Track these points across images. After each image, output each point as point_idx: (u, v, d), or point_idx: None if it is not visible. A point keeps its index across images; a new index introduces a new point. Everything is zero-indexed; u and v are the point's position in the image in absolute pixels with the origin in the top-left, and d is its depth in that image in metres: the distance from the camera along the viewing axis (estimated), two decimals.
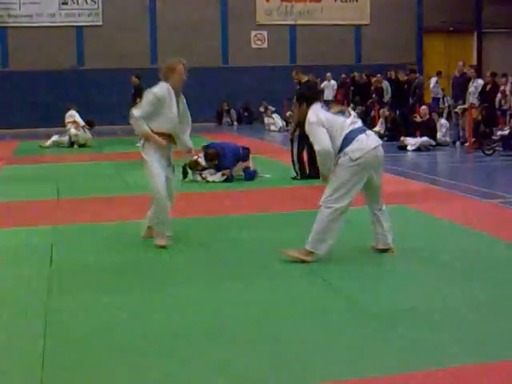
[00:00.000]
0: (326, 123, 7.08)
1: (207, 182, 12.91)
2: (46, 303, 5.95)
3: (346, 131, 7.09)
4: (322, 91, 27.69)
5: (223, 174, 13.02)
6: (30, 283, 6.69)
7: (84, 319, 5.58)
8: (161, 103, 7.88)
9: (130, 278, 6.77)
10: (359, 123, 7.28)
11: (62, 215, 10.09)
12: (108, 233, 8.85)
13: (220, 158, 13.08)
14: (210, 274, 6.87)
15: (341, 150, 7.06)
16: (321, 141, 7.03)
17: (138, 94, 21.25)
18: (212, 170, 13.17)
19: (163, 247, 7.86)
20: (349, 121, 7.21)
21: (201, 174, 13.07)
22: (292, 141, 13.28)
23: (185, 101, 8.24)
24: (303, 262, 7.03)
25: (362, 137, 7.09)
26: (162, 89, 7.95)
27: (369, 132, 7.29)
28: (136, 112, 7.94)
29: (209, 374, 4.49)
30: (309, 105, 7.29)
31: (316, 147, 7.08)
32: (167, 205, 8.01)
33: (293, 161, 13.20)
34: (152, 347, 4.95)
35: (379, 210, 7.43)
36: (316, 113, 7.18)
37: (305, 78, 13.75)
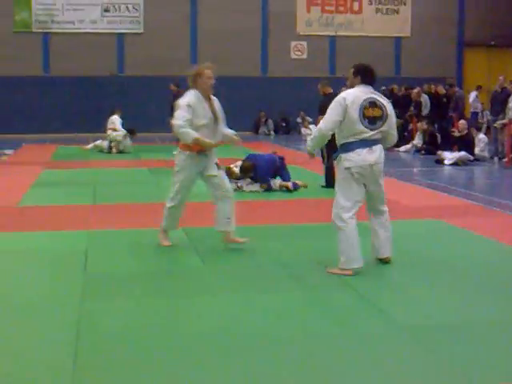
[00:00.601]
0: (347, 107, 7.03)
1: (243, 191, 12.91)
2: (79, 306, 6.01)
3: (353, 138, 7.08)
4: None
5: (261, 186, 13.04)
6: (64, 286, 6.75)
7: (116, 323, 5.62)
8: (193, 111, 7.87)
9: (163, 284, 6.80)
10: (375, 136, 7.19)
11: (97, 220, 10.18)
12: (143, 238, 8.89)
13: (255, 171, 13.09)
14: (242, 283, 6.89)
15: (338, 151, 7.19)
16: (326, 121, 7.08)
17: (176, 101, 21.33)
18: (248, 180, 13.20)
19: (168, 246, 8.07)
20: (367, 133, 7.13)
21: (236, 183, 13.08)
22: (322, 150, 13.28)
23: (218, 103, 8.21)
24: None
25: (361, 151, 7.07)
26: (191, 96, 7.96)
27: (376, 147, 7.20)
28: (177, 121, 7.91)
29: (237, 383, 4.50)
30: None
31: (320, 124, 7.18)
32: (178, 215, 8.24)
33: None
34: (182, 353, 4.96)
35: (378, 216, 7.42)
36: (349, 92, 7.18)
37: (329, 90, 13.79)
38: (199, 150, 7.98)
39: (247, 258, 7.85)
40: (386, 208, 7.49)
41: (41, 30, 30.65)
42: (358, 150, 7.05)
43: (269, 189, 13.01)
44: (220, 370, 4.68)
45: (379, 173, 7.25)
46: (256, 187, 13.00)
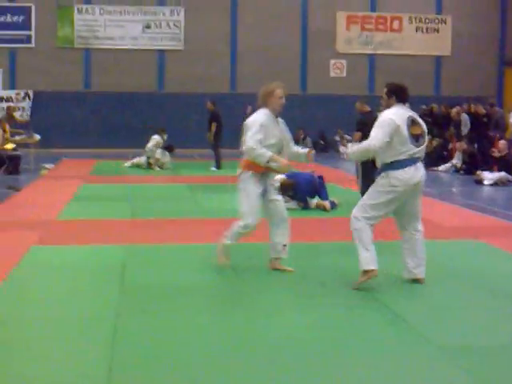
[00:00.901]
0: (399, 127, 7.10)
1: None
2: (115, 321, 6.03)
3: (404, 156, 7.13)
4: None
5: (299, 205, 13.03)
6: (101, 300, 6.79)
7: (152, 338, 5.63)
8: (264, 130, 7.80)
9: (199, 299, 6.81)
10: (420, 153, 7.25)
11: (135, 234, 10.23)
12: (180, 254, 8.93)
13: (295, 189, 13.09)
14: (277, 299, 6.87)
15: (384, 168, 7.17)
16: (378, 139, 7.10)
17: (212, 119, 21.49)
18: (286, 198, 13.16)
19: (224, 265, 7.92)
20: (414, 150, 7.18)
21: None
22: (357, 167, 13.25)
23: (283, 122, 8.16)
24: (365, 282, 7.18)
25: (409, 169, 7.16)
26: (262, 116, 7.89)
27: (420, 165, 7.31)
28: (249, 143, 7.73)
29: None
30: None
31: (373, 141, 7.15)
32: (248, 232, 7.99)
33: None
34: (219, 370, 4.96)
35: (414, 234, 7.43)
36: (394, 113, 7.21)
37: (367, 109, 13.84)
38: (263, 171, 7.88)
39: (282, 276, 7.83)
40: (421, 227, 7.47)
41: (82, 46, 31.02)
42: (406, 169, 7.13)
43: (306, 207, 13.00)
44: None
45: (421, 189, 7.28)
46: (293, 205, 12.96)
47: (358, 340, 5.66)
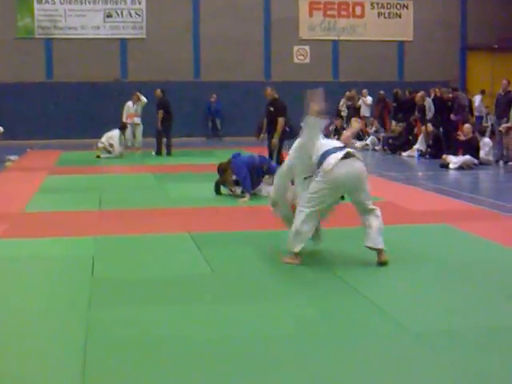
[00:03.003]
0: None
1: (236, 196, 12.86)
2: (86, 314, 5.98)
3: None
4: (359, 108, 27.74)
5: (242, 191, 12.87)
6: (71, 293, 6.74)
7: (124, 330, 5.60)
8: None
9: (171, 291, 6.77)
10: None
11: (103, 226, 10.16)
12: (149, 245, 8.89)
13: (233, 169, 12.83)
14: (250, 290, 6.86)
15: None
16: None
17: (159, 107, 22.09)
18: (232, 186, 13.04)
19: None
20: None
21: (230, 188, 13.06)
22: None
23: None
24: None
25: None
26: None
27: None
28: None
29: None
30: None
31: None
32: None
33: None
34: (190, 361, 4.95)
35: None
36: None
37: (276, 96, 15.26)
38: None
39: (255, 265, 7.82)
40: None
41: (43, 36, 30.69)
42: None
43: (246, 188, 12.66)
44: (227, 378, 4.66)
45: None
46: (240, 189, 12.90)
47: (329, 327, 5.67)
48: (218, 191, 13.10)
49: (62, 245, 8.90)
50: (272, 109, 15.72)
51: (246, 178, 12.61)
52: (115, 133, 21.95)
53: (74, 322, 5.80)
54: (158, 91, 22.60)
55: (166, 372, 4.75)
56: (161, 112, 22.17)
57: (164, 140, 22.50)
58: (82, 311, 6.06)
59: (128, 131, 23.15)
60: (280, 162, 13.49)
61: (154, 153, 22.34)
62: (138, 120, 23.85)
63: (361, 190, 7.69)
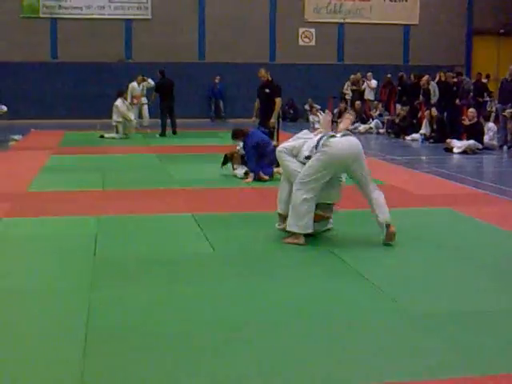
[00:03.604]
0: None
1: (234, 176, 12.92)
2: (88, 293, 6.00)
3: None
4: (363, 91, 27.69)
5: (245, 173, 12.91)
6: (73, 272, 6.76)
7: (126, 309, 5.62)
8: None
9: (173, 271, 6.80)
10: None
11: (106, 206, 10.17)
12: (152, 225, 8.91)
13: (245, 141, 12.82)
14: (251, 269, 6.88)
15: None
16: None
17: (156, 89, 22.43)
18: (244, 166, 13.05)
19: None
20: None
21: (232, 166, 13.10)
22: None
23: None
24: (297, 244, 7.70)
25: None
26: None
27: None
28: None
29: (244, 370, 4.50)
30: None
31: None
32: None
33: None
34: (192, 340, 4.97)
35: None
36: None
37: (269, 78, 15.54)
38: None
39: (256, 245, 7.84)
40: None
41: (48, 16, 30.58)
42: None
43: (250, 168, 12.72)
44: (230, 357, 4.68)
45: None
46: (241, 171, 12.97)
47: (330, 309, 5.68)
48: (223, 164, 13.12)
49: (64, 224, 8.92)
50: (268, 90, 15.68)
51: (250, 158, 12.64)
52: (117, 102, 21.95)
53: (75, 302, 5.82)
54: (158, 73, 22.84)
55: (167, 352, 4.76)
56: (154, 94, 22.73)
57: (168, 121, 22.58)
58: (83, 290, 6.08)
59: (135, 112, 23.24)
60: (278, 140, 13.51)
61: (158, 135, 22.43)
62: (144, 100, 24.08)
63: (360, 163, 7.79)
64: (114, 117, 21.92)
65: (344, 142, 7.80)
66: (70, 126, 26.33)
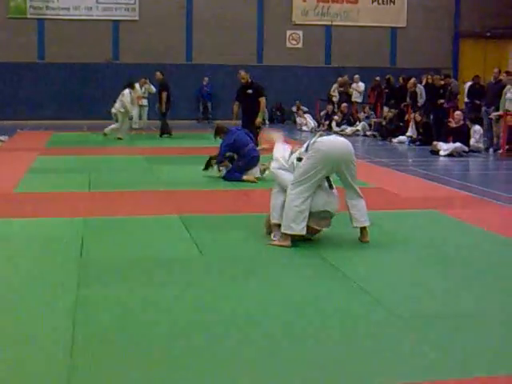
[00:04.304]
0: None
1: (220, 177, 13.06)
2: (75, 294, 5.98)
3: None
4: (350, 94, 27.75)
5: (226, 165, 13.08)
6: (59, 274, 6.73)
7: (112, 311, 5.59)
8: None
9: (158, 273, 6.78)
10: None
11: (93, 207, 10.15)
12: (138, 227, 8.89)
13: (226, 135, 13.19)
14: (239, 272, 6.88)
15: None
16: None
17: (162, 89, 22.25)
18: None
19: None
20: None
21: (218, 167, 13.16)
22: None
23: None
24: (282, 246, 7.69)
25: None
26: None
27: None
28: None
29: (234, 373, 4.50)
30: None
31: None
32: None
33: None
34: (178, 342, 4.96)
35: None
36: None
37: (250, 79, 15.51)
38: None
39: (243, 247, 7.85)
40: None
41: (35, 16, 30.55)
42: None
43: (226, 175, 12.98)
44: (217, 359, 4.68)
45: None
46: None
47: (316, 310, 5.69)
48: (207, 167, 13.18)
49: (50, 225, 8.89)
50: (250, 91, 15.67)
51: (220, 154, 13.04)
52: (125, 91, 21.89)
53: (61, 303, 5.79)
54: (159, 73, 22.73)
55: (153, 353, 4.77)
56: (164, 94, 22.35)
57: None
58: (70, 292, 6.05)
59: (135, 113, 23.21)
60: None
61: (167, 135, 22.56)
62: (145, 102, 24.00)
63: (350, 165, 7.85)
64: (117, 105, 21.84)
65: (336, 140, 7.94)
66: (56, 126, 26.27)
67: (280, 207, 7.92)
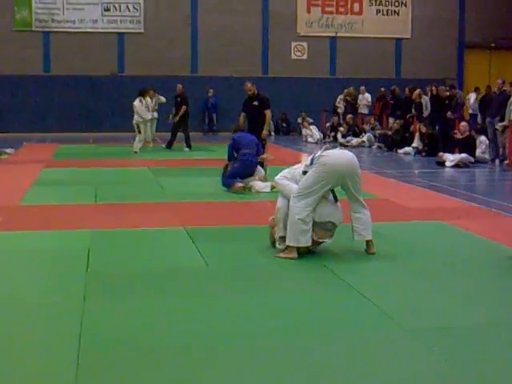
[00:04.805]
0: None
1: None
2: (81, 306, 5.98)
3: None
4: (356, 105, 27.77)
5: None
6: (66, 286, 6.73)
7: (119, 323, 5.59)
8: None
9: (166, 285, 6.78)
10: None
11: (99, 219, 10.15)
12: (145, 239, 8.89)
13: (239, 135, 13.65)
14: (244, 283, 6.87)
15: None
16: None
17: (182, 102, 22.22)
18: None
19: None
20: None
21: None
22: None
23: None
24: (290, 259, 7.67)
25: None
26: None
27: None
28: None
29: (241, 378, 4.50)
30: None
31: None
32: None
33: None
34: (184, 354, 4.95)
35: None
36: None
37: (256, 91, 15.52)
38: None
39: (249, 259, 7.84)
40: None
41: (41, 29, 30.66)
42: None
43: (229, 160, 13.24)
44: (222, 371, 4.67)
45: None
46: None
47: (322, 322, 5.67)
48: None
49: (57, 238, 8.90)
50: (256, 103, 15.68)
51: (228, 155, 13.33)
52: (135, 103, 21.84)
53: (68, 315, 5.79)
54: (180, 86, 22.83)
55: (159, 365, 4.75)
56: (183, 107, 22.40)
57: (180, 134, 22.75)
58: (76, 304, 6.05)
59: (146, 125, 23.08)
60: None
61: (186, 148, 22.58)
62: (155, 114, 23.91)
63: (355, 178, 7.87)
64: (135, 117, 21.81)
65: (341, 154, 7.93)
66: (62, 139, 26.32)
67: (284, 219, 7.93)
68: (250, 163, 13.03)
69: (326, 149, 7.91)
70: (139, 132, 21.61)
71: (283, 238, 7.90)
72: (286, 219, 7.88)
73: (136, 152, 21.11)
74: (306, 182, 7.70)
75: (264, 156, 13.78)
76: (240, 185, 12.73)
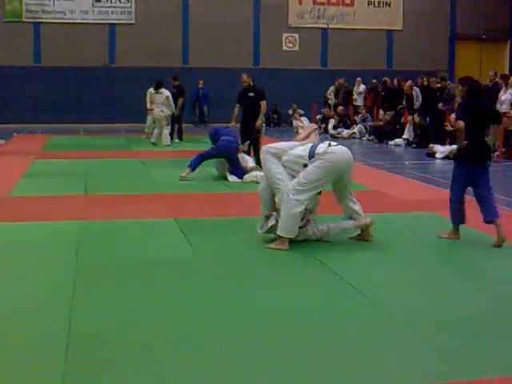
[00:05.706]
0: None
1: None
2: (71, 299, 5.95)
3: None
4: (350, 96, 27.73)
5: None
6: (55, 278, 6.71)
7: (108, 315, 5.57)
8: None
9: (155, 276, 6.76)
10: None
11: (88, 211, 10.12)
12: (134, 230, 8.87)
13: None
14: (232, 274, 6.86)
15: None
16: None
17: (179, 94, 21.91)
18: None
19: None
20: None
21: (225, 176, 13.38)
22: None
23: None
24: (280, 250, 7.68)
25: None
26: None
27: None
28: None
29: (231, 377, 4.48)
30: None
31: None
32: None
33: None
34: (173, 347, 4.94)
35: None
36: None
37: (251, 82, 15.51)
38: None
39: (238, 250, 7.83)
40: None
41: (31, 20, 30.52)
42: None
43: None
44: (212, 364, 4.65)
45: None
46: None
47: (312, 314, 5.66)
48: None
49: (46, 229, 8.86)
50: (252, 94, 15.64)
51: (195, 159, 13.36)
52: (167, 93, 21.54)
53: (57, 308, 5.76)
54: (173, 80, 22.37)
55: (151, 359, 4.74)
56: (181, 99, 22.08)
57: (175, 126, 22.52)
58: (65, 296, 6.02)
59: (149, 118, 22.84)
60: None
61: (177, 140, 22.38)
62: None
63: (350, 173, 8.03)
64: (165, 110, 21.36)
65: (344, 151, 7.95)
66: (53, 130, 26.24)
67: (269, 200, 8.07)
68: (228, 149, 13.20)
69: (329, 145, 7.86)
70: (167, 124, 21.33)
71: (266, 216, 8.02)
72: (269, 200, 8.08)
73: (168, 145, 20.97)
74: (309, 177, 7.69)
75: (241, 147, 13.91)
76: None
